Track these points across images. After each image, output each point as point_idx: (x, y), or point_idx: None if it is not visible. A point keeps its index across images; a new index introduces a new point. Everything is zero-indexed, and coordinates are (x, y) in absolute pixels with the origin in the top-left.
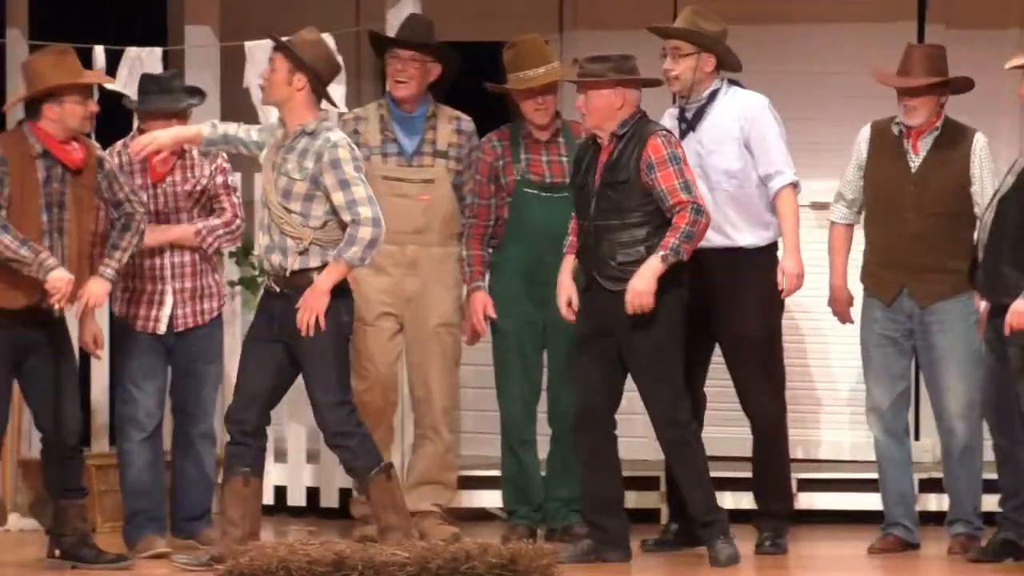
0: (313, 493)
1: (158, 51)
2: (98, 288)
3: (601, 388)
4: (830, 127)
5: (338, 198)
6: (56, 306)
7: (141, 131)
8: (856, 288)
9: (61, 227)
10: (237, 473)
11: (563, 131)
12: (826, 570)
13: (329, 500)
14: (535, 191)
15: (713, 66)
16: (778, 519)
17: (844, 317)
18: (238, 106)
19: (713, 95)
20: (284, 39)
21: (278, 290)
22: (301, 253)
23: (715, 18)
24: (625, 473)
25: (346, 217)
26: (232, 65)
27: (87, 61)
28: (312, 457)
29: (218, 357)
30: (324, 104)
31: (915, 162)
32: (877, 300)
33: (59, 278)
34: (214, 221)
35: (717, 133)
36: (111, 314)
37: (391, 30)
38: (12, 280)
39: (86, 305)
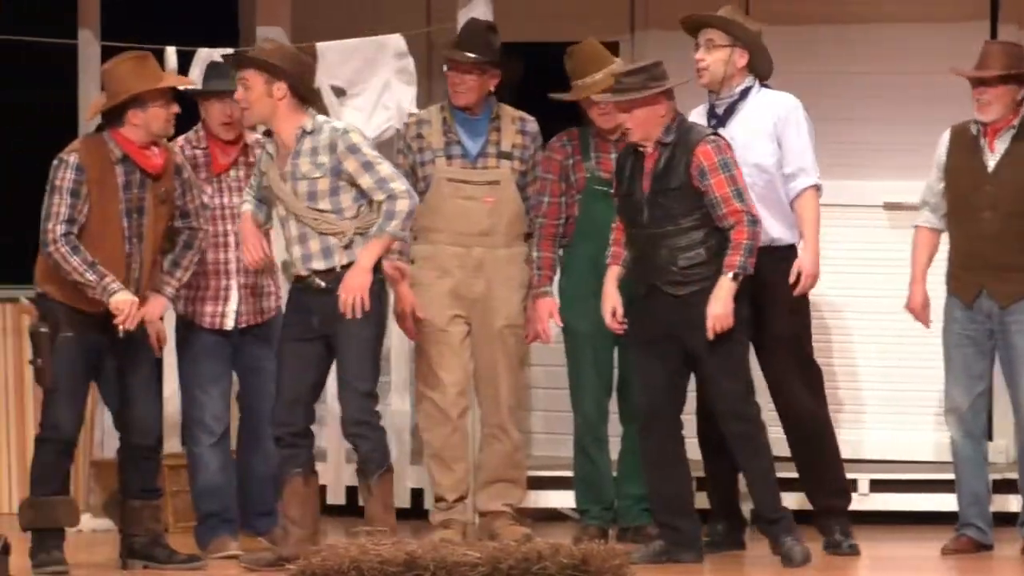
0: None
1: (229, 52)
2: (156, 304)
3: (666, 390)
4: (908, 128)
5: (366, 180)
6: (121, 327)
7: (204, 121)
8: (939, 291)
9: (140, 232)
10: (293, 474)
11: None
12: (899, 570)
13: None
14: (605, 188)
15: (745, 62)
16: (840, 515)
17: (922, 320)
18: None
19: (745, 92)
20: (248, 52)
21: (324, 285)
22: (347, 247)
23: (753, 20)
24: None
25: (379, 196)
26: None
27: (159, 62)
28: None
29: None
30: (392, 105)
31: (992, 160)
32: (958, 300)
33: (123, 300)
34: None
35: (749, 129)
36: (177, 317)
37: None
38: (121, 279)
39: (152, 317)
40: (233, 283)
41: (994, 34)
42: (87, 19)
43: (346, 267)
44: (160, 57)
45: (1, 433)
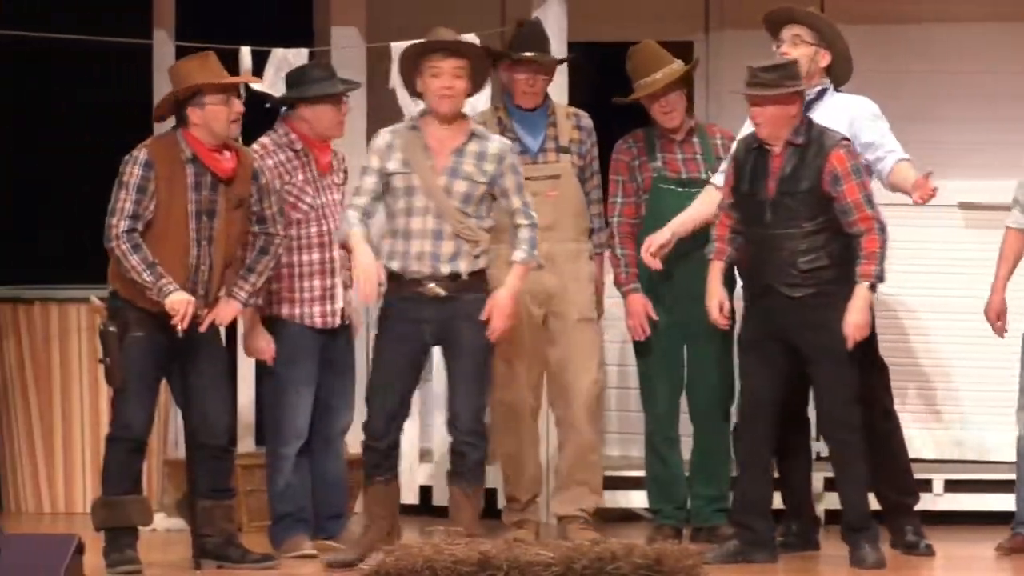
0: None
1: (304, 52)
2: (228, 308)
3: (769, 391)
4: (983, 127)
5: (516, 202)
6: (179, 327)
7: (292, 124)
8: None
9: (210, 236)
10: (377, 481)
11: (697, 132)
12: (952, 569)
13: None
14: (672, 186)
15: (827, 63)
16: (911, 515)
17: (996, 331)
18: (382, 106)
19: (821, 93)
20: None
21: (443, 294)
22: (477, 256)
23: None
24: None
25: (522, 220)
26: (378, 66)
27: (234, 62)
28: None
29: (355, 352)
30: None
31: None
32: None
33: (178, 300)
34: None
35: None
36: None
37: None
38: (183, 280)
39: (213, 322)
40: (339, 281)
41: None
42: (162, 19)
43: (473, 274)
44: (235, 57)
45: (75, 433)
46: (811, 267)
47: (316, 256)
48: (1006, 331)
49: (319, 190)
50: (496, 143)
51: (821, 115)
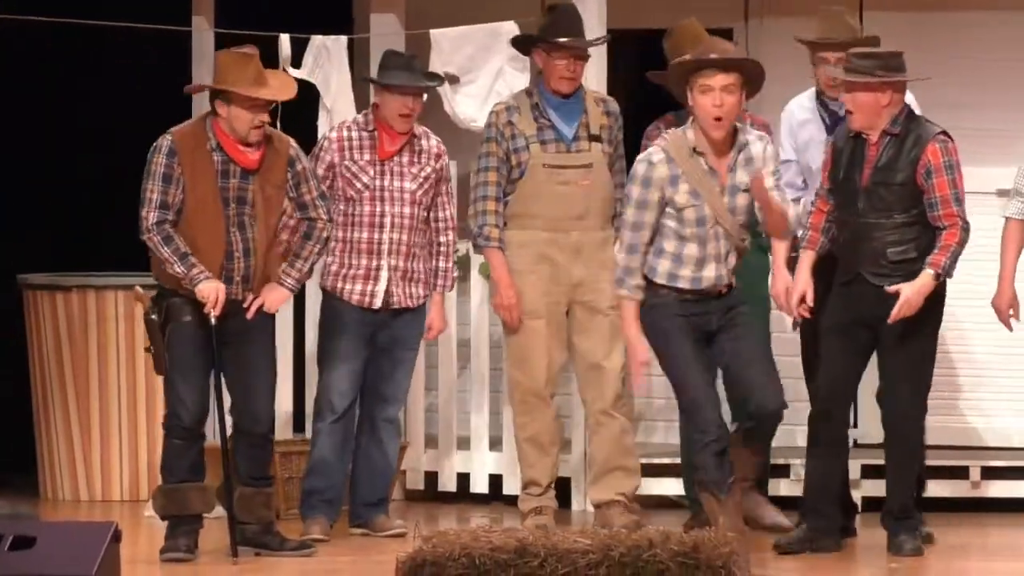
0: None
1: (344, 39)
2: (276, 295)
3: (847, 378)
4: (1021, 114)
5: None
6: (212, 315)
7: (375, 106)
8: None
9: (242, 222)
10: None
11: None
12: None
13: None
14: None
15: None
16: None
17: (1003, 321)
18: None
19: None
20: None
21: (725, 291)
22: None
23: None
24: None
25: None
26: (417, 53)
27: (273, 49)
28: (494, 444)
29: (417, 345)
30: (506, 92)
31: None
32: None
33: (207, 288)
34: (442, 263)
35: None
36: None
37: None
38: (217, 266)
39: (260, 308)
40: (384, 263)
41: None
42: (202, 6)
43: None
44: (274, 44)
45: (112, 420)
46: (901, 258)
47: (365, 235)
48: (1018, 320)
49: (380, 173)
50: (759, 144)
51: None
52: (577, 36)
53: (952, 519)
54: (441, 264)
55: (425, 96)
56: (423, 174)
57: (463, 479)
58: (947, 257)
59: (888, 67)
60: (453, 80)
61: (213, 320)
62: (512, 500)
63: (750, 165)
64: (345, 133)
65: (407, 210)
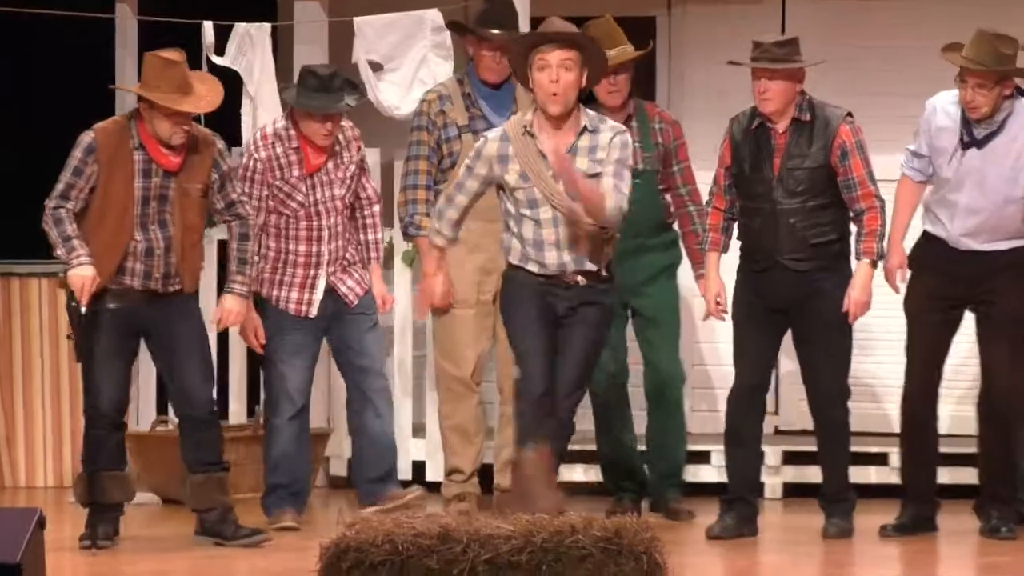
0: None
1: (267, 27)
2: (234, 305)
3: (764, 365)
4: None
5: (622, 180)
6: (82, 304)
7: (294, 122)
8: None
9: (163, 220)
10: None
11: (638, 113)
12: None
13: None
14: None
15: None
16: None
17: (891, 281)
18: None
19: None
20: (577, 33)
21: (580, 284)
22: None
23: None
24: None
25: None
26: (340, 40)
27: (197, 37)
28: (417, 431)
29: (374, 311)
30: (429, 80)
31: None
32: None
33: (75, 276)
34: (371, 236)
35: None
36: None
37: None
38: (115, 262)
39: (221, 321)
40: (322, 273)
41: None
42: None
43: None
44: (197, 32)
45: (36, 408)
46: (819, 241)
47: (303, 248)
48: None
49: (311, 187)
50: (607, 132)
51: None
52: (510, 28)
53: (873, 504)
54: (370, 237)
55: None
56: (348, 174)
57: None
58: (876, 242)
59: (799, 52)
60: (377, 67)
61: (83, 309)
62: (435, 486)
63: (595, 153)
64: (271, 150)
65: (340, 217)
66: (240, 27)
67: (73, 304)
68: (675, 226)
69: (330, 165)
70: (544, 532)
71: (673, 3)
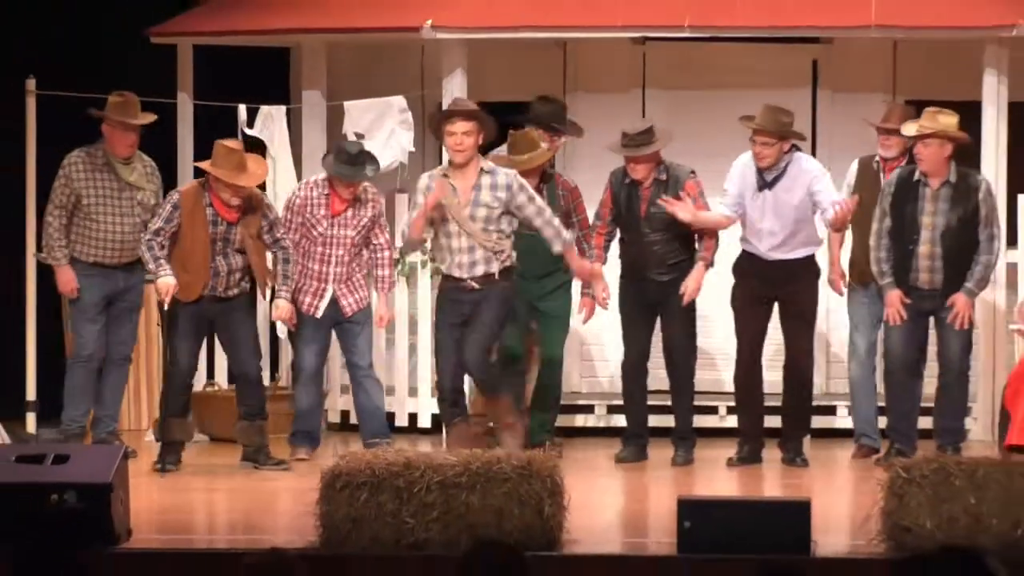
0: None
1: (283, 108)
2: (284, 305)
3: (644, 345)
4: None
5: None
6: (165, 302)
7: (329, 179)
8: None
9: (226, 252)
10: (457, 421)
11: (548, 184)
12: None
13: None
14: (525, 230)
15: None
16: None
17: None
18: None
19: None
20: (473, 110)
21: (478, 287)
22: (501, 260)
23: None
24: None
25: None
26: (334, 118)
27: (234, 115)
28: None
29: (369, 321)
30: (396, 145)
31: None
32: None
33: (160, 283)
34: (381, 272)
35: None
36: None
37: (447, 94)
38: (183, 280)
39: (275, 316)
40: (328, 287)
41: (815, 97)
42: (184, 84)
43: (499, 273)
44: (235, 112)
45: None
46: (675, 261)
47: (316, 266)
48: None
49: (331, 225)
50: (501, 175)
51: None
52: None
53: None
54: (381, 273)
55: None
56: (361, 223)
57: (390, 416)
58: (711, 252)
59: (654, 137)
60: (360, 137)
61: (165, 306)
62: (424, 431)
63: (496, 191)
64: (309, 192)
65: (347, 251)
66: (264, 109)
67: (159, 301)
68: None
69: (349, 213)
70: (478, 462)
71: (567, 89)
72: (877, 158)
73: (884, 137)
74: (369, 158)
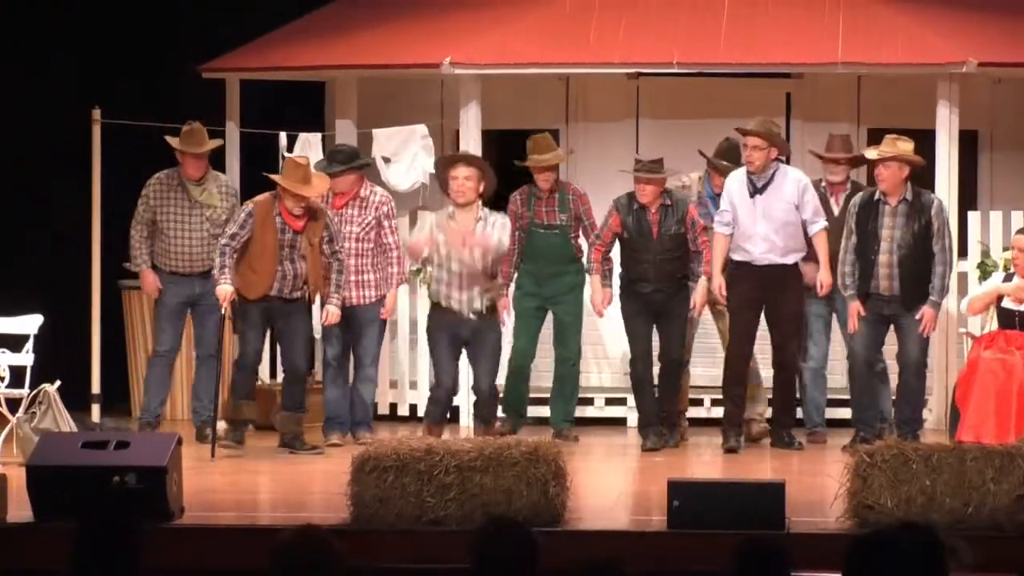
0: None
1: (319, 135)
2: (335, 312)
3: (646, 340)
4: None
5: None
6: (224, 307)
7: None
8: None
9: (292, 258)
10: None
11: (560, 190)
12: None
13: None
14: (541, 229)
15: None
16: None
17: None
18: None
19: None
20: (475, 157)
21: (474, 318)
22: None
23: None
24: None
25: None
26: (364, 143)
27: (276, 141)
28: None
29: (376, 321)
30: (419, 168)
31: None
32: None
33: (219, 290)
34: (390, 270)
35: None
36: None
37: (463, 123)
38: (252, 279)
39: (326, 320)
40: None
41: (788, 125)
42: (232, 114)
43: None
44: (277, 138)
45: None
46: (680, 275)
47: None
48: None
49: (337, 220)
50: (496, 216)
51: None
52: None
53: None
54: (394, 270)
55: (354, 174)
56: (365, 221)
57: (393, 407)
58: (710, 267)
59: (662, 166)
60: (387, 160)
61: (225, 311)
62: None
63: (489, 228)
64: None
65: (350, 244)
66: (302, 136)
67: (235, 303)
68: (583, 259)
69: (352, 211)
70: (491, 448)
71: (570, 119)
72: (824, 182)
73: (833, 164)
74: (350, 158)
